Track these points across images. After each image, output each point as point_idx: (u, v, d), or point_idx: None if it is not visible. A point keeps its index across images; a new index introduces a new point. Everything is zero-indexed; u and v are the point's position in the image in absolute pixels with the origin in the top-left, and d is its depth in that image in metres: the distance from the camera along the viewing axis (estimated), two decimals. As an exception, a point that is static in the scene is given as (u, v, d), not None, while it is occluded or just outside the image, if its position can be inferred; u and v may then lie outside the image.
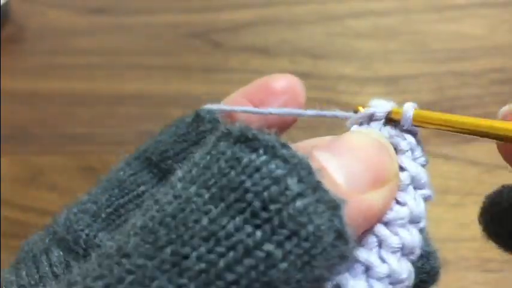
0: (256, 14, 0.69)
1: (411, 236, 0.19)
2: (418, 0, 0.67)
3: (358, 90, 0.59)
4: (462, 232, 0.48)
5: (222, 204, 0.16)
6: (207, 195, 0.16)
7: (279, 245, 0.16)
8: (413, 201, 0.20)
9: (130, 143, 0.58)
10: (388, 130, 0.22)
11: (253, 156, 0.17)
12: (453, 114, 0.22)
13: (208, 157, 0.18)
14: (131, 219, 0.18)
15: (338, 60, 0.62)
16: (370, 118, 0.22)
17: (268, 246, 0.16)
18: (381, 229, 0.19)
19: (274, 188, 0.16)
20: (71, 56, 0.68)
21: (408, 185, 0.20)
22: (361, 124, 0.23)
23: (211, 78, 0.63)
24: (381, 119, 0.22)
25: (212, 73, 0.63)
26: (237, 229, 0.16)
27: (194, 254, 0.16)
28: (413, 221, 0.20)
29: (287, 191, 0.16)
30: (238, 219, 0.16)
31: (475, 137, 0.59)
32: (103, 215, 0.25)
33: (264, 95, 0.26)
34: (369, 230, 0.19)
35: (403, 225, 0.19)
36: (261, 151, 0.17)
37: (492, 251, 0.46)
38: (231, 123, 0.24)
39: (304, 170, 0.17)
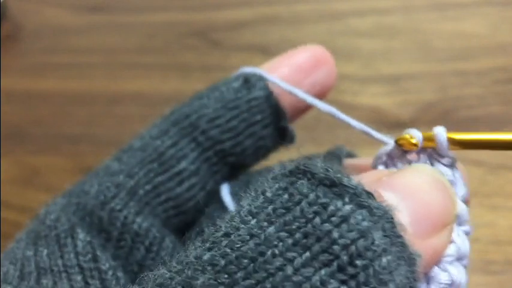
0: (256, 13, 0.68)
1: (459, 273, 0.19)
2: (420, -2, 0.66)
3: (360, 89, 0.59)
4: (465, 234, 0.48)
5: (307, 254, 0.15)
6: (289, 241, 0.15)
7: None
8: (459, 239, 0.20)
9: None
10: (438, 164, 0.22)
11: (339, 204, 0.16)
12: (489, 133, 0.21)
13: (285, 195, 0.16)
14: (189, 247, 0.16)
15: (340, 59, 0.61)
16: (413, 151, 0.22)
17: None
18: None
19: (361, 242, 0.15)
20: (68, 55, 0.67)
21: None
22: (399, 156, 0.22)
23: (211, 78, 0.62)
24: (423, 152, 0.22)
25: (211, 72, 0.63)
26: (323, 283, 0.15)
27: None
28: (460, 258, 0.20)
29: (373, 246, 0.15)
30: (324, 272, 0.15)
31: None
32: (141, 192, 0.23)
33: (304, 65, 0.25)
34: None
35: (451, 263, 0.19)
36: (346, 199, 0.16)
37: (495, 253, 0.46)
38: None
39: (388, 223, 0.16)
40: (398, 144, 0.22)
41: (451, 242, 0.19)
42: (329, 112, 0.23)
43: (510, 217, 0.48)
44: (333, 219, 0.15)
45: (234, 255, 0.15)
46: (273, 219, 0.16)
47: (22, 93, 0.64)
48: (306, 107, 0.27)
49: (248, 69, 0.25)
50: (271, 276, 0.15)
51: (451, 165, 0.21)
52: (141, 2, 0.72)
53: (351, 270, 0.15)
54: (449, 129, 0.60)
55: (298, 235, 0.15)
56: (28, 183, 0.56)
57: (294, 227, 0.15)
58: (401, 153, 0.22)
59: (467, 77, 0.59)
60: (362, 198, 0.16)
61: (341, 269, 0.15)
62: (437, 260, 0.19)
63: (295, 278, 0.15)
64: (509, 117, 0.55)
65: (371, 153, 0.56)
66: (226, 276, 0.15)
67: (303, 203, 0.16)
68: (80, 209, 0.23)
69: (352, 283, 0.15)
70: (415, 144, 0.21)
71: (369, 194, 0.16)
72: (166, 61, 0.65)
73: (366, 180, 0.17)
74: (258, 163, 0.25)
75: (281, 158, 0.26)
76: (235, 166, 0.25)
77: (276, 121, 0.25)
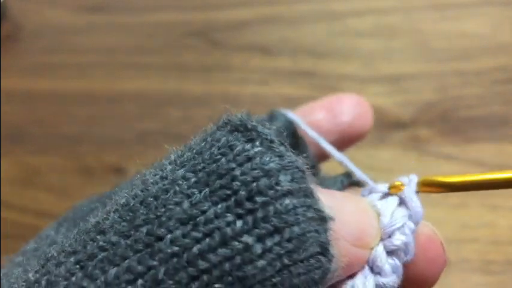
0: (256, 13, 0.68)
1: None
2: (420, -2, 0.66)
3: (360, 89, 0.59)
4: (464, 234, 0.48)
5: (207, 190, 0.16)
6: (193, 179, 0.16)
7: (260, 239, 0.15)
8: (362, 280, 0.19)
9: (129, 143, 0.58)
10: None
11: (248, 146, 0.16)
12: (466, 175, 0.21)
13: (203, 143, 0.17)
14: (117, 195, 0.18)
15: (339, 59, 0.62)
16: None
17: (248, 239, 0.15)
18: None
19: (264, 180, 0.16)
20: (68, 55, 0.67)
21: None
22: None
23: (211, 78, 0.62)
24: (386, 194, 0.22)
25: (211, 72, 0.63)
26: (217, 216, 0.15)
27: (169, 236, 0.15)
28: None
29: (278, 186, 0.16)
30: (220, 206, 0.15)
31: (478, 137, 0.58)
32: None
33: (337, 104, 0.26)
34: None
35: None
36: (257, 143, 0.16)
37: (495, 252, 0.46)
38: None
39: (299, 172, 0.16)
40: (390, 190, 0.22)
41: (350, 277, 0.19)
42: (342, 162, 0.24)
43: (510, 217, 0.48)
44: (237, 158, 0.16)
45: (142, 194, 0.16)
46: (185, 163, 0.17)
47: (22, 93, 0.64)
48: (361, 137, 0.28)
49: (281, 111, 0.26)
50: (168, 211, 0.15)
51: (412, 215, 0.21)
52: (141, 2, 0.72)
53: (248, 205, 0.15)
54: (450, 129, 0.61)
55: (201, 174, 0.16)
56: (28, 183, 0.56)
57: (199, 167, 0.16)
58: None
59: (467, 77, 0.59)
60: (274, 144, 0.16)
61: (238, 203, 0.15)
62: (354, 269, 0.19)
63: (190, 212, 0.15)
64: (509, 117, 0.55)
65: (370, 153, 0.56)
66: (130, 213, 0.16)
67: (214, 147, 0.16)
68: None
69: (249, 218, 0.15)
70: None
71: (283, 143, 0.17)
72: (166, 61, 0.65)
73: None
74: None
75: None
76: None
77: (296, 149, 0.26)
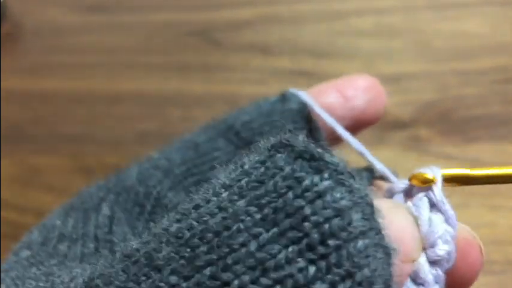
0: (257, 12, 0.68)
1: None
2: (421, -2, 0.66)
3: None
4: (465, 233, 0.48)
5: (275, 230, 0.14)
6: (258, 216, 0.14)
7: (332, 285, 0.14)
8: None
9: (129, 143, 0.58)
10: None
11: (317, 179, 0.15)
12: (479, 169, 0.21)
13: (262, 168, 0.15)
14: (164, 219, 0.16)
15: (340, 59, 0.62)
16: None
17: (321, 286, 0.14)
18: None
19: (336, 221, 0.14)
20: (68, 55, 0.67)
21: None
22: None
23: (211, 77, 0.62)
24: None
25: (212, 72, 0.63)
26: (289, 261, 0.14)
27: (236, 282, 0.14)
28: None
29: (350, 227, 0.14)
30: (291, 250, 0.14)
31: (478, 136, 0.58)
32: (176, 171, 0.24)
33: (351, 87, 0.26)
34: None
35: None
36: (326, 175, 0.15)
37: (495, 252, 0.46)
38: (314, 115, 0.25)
39: (369, 207, 0.15)
40: (409, 179, 0.21)
41: None
42: (360, 151, 0.23)
43: (510, 217, 0.48)
44: (307, 194, 0.15)
45: (199, 228, 0.15)
46: (244, 193, 0.15)
47: (22, 93, 0.64)
48: (374, 119, 0.28)
49: (294, 91, 0.26)
50: (233, 251, 0.14)
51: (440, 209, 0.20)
52: (141, 2, 0.72)
53: (321, 249, 0.14)
54: (450, 128, 0.61)
55: (267, 210, 0.15)
56: (28, 183, 0.56)
57: (264, 201, 0.15)
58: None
59: (468, 77, 0.59)
60: (343, 177, 0.15)
61: (310, 247, 0.14)
62: (400, 285, 0.18)
63: (258, 255, 0.14)
64: (509, 117, 0.55)
65: (372, 153, 0.56)
66: (188, 249, 0.14)
67: (277, 177, 0.15)
68: (119, 186, 0.25)
69: (322, 263, 0.14)
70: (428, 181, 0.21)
71: (352, 174, 0.15)
72: (167, 61, 0.65)
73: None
74: None
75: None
76: None
77: (308, 133, 0.26)
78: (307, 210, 0.14)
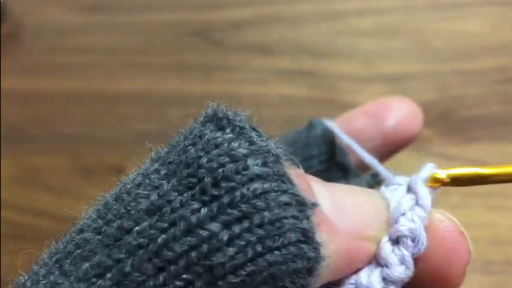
0: (257, 12, 0.68)
1: None
2: (421, -2, 0.66)
3: (360, 88, 0.59)
4: (465, 233, 0.48)
5: (174, 180, 0.15)
6: (163, 172, 0.16)
7: (226, 226, 0.15)
8: (366, 273, 0.18)
9: (129, 143, 0.58)
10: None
11: (218, 134, 0.16)
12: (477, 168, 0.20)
13: (178, 137, 0.17)
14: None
15: (340, 59, 0.62)
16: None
17: (213, 226, 0.15)
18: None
19: (230, 166, 0.15)
20: (68, 55, 0.67)
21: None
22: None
23: (211, 77, 0.63)
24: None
25: (212, 72, 0.63)
26: (182, 205, 0.15)
27: (136, 228, 0.15)
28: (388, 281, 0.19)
29: (245, 170, 0.15)
30: (186, 195, 0.15)
31: (478, 136, 0.58)
32: None
33: (380, 108, 0.26)
34: None
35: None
36: (228, 130, 0.16)
37: (495, 252, 0.46)
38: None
39: (271, 156, 0.16)
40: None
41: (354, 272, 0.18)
42: (374, 166, 0.23)
43: (510, 217, 0.48)
44: (206, 146, 0.16)
45: (119, 191, 0.16)
46: (160, 158, 0.17)
47: (22, 93, 0.64)
48: (409, 142, 0.27)
49: (320, 119, 0.26)
50: (138, 204, 0.15)
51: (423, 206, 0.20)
52: (141, 2, 0.72)
53: (213, 191, 0.15)
54: (450, 129, 0.60)
55: (171, 166, 0.16)
56: (28, 183, 0.56)
57: (170, 159, 0.16)
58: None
59: (467, 77, 0.59)
60: (244, 131, 0.16)
61: (203, 191, 0.15)
62: (358, 263, 0.18)
63: (157, 203, 0.15)
64: (509, 117, 0.55)
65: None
66: (106, 210, 0.16)
67: (187, 140, 0.16)
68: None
69: (214, 205, 0.15)
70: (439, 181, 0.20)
71: (255, 129, 0.16)
72: (167, 61, 0.65)
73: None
74: None
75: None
76: None
77: (333, 157, 0.26)
78: (204, 159, 0.15)
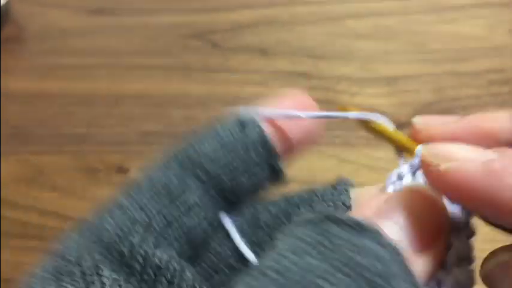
0: (256, 15, 0.69)
1: (461, 274, 0.21)
2: (418, 1, 0.67)
3: (358, 90, 0.60)
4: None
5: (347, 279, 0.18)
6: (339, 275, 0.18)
7: None
8: (459, 242, 0.21)
9: (131, 143, 0.58)
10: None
11: (368, 242, 0.19)
12: None
13: (320, 237, 0.19)
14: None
15: (338, 61, 0.63)
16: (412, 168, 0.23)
17: None
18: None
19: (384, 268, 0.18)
20: (71, 57, 0.68)
21: None
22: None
23: (211, 79, 0.63)
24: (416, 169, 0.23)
25: (212, 73, 0.64)
26: None
27: None
28: (462, 259, 0.21)
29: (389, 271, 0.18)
30: None
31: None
32: (155, 226, 0.23)
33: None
34: None
35: (452, 266, 0.21)
36: (370, 238, 0.19)
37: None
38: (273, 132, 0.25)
39: (400, 256, 0.19)
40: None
41: (450, 246, 0.21)
42: (333, 116, 0.24)
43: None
44: (366, 253, 0.18)
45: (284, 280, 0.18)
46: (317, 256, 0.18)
47: (26, 94, 0.64)
48: (308, 138, 0.27)
49: (249, 113, 0.25)
50: None
51: None
52: (143, 5, 0.72)
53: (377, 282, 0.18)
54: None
55: (345, 269, 0.18)
56: (32, 183, 0.56)
57: (338, 263, 0.18)
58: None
59: (464, 78, 0.59)
60: (382, 238, 0.19)
61: (369, 283, 0.18)
62: (440, 266, 0.20)
63: None
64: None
65: (367, 153, 0.57)
66: None
67: (341, 242, 0.19)
68: (99, 245, 0.23)
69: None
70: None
71: (380, 232, 0.19)
72: (168, 62, 0.65)
73: (368, 213, 0.20)
74: (255, 199, 0.26)
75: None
76: (233, 202, 0.26)
77: (270, 163, 0.26)
78: (366, 263, 0.18)
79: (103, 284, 0.21)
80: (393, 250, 0.19)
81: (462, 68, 0.60)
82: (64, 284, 0.21)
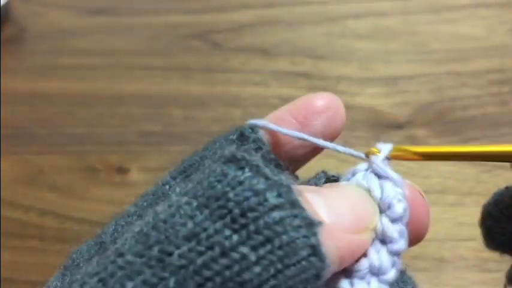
0: (256, 15, 0.69)
1: (368, 286, 0.21)
2: (417, 1, 0.67)
3: (358, 90, 0.60)
4: (461, 232, 0.49)
5: (207, 211, 0.18)
6: (195, 204, 0.19)
7: (254, 249, 0.18)
8: (376, 255, 0.21)
9: (131, 143, 0.58)
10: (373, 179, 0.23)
11: (239, 172, 0.19)
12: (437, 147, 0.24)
13: (202, 175, 0.20)
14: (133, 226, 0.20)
15: (338, 61, 0.63)
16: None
17: (243, 249, 0.18)
18: (341, 278, 0.21)
19: (253, 199, 0.19)
20: (71, 57, 0.68)
21: (374, 239, 0.22)
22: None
23: (211, 79, 0.63)
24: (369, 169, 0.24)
25: (212, 73, 0.64)
26: (217, 232, 0.18)
27: (177, 251, 0.18)
28: (375, 273, 0.21)
29: (265, 202, 0.18)
30: (219, 224, 0.18)
31: (474, 137, 0.59)
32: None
33: (307, 113, 0.27)
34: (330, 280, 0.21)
35: (362, 277, 0.21)
36: (246, 169, 0.19)
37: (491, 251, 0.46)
38: (273, 143, 0.26)
39: (284, 188, 0.19)
40: (366, 155, 0.24)
41: (365, 256, 0.21)
42: (335, 148, 0.25)
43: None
44: (231, 182, 0.19)
45: (153, 221, 0.19)
46: (187, 192, 0.20)
47: (26, 94, 0.65)
48: (314, 150, 0.28)
49: (251, 125, 0.26)
50: (176, 231, 0.18)
51: (395, 183, 0.23)
52: (143, 5, 0.72)
53: (242, 221, 0.18)
54: (446, 129, 0.61)
55: (201, 199, 0.19)
56: (32, 182, 0.56)
57: (199, 193, 0.19)
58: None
59: (463, 78, 0.59)
60: (261, 169, 0.19)
61: (233, 220, 0.18)
62: (360, 252, 0.21)
63: (193, 230, 0.18)
64: (504, 117, 0.56)
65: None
66: (144, 237, 0.19)
67: (211, 177, 0.20)
68: (99, 246, 0.26)
69: (243, 232, 0.18)
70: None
71: (268, 166, 0.20)
72: (168, 62, 0.66)
73: (303, 189, 0.20)
74: None
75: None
76: None
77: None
78: (231, 194, 0.19)
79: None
80: (282, 187, 0.19)
81: (462, 68, 0.60)
82: (65, 277, 0.25)
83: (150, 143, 0.58)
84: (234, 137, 0.27)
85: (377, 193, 0.22)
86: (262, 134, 0.26)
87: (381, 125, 0.56)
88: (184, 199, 0.19)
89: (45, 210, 0.54)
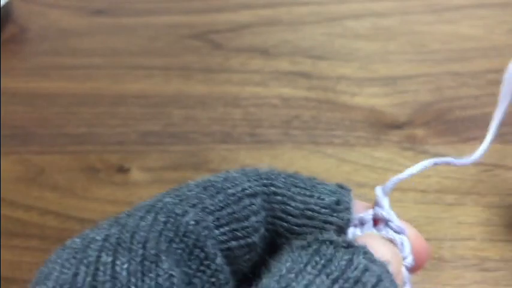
0: (256, 15, 0.69)
1: None
2: (417, 1, 0.67)
3: (357, 90, 0.60)
4: (460, 231, 0.49)
5: None
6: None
7: None
8: None
9: (132, 143, 0.58)
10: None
11: (360, 259, 0.21)
12: None
13: (317, 257, 0.22)
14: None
15: (337, 61, 0.63)
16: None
17: None
18: None
19: (381, 284, 0.21)
20: (72, 57, 0.68)
21: None
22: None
23: (212, 79, 0.63)
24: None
25: (212, 73, 0.64)
26: None
27: None
28: None
29: (380, 282, 0.21)
30: None
31: (473, 137, 0.59)
32: (217, 232, 0.24)
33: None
34: None
35: None
36: (361, 256, 0.22)
37: (490, 250, 0.46)
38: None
39: (388, 270, 0.22)
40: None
41: None
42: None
43: (505, 215, 0.49)
44: (359, 268, 0.21)
45: None
46: (316, 273, 0.21)
47: (27, 94, 0.65)
48: None
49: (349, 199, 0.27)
50: None
51: (399, 232, 0.26)
52: (144, 5, 0.72)
53: None
54: (446, 129, 0.61)
55: (340, 281, 0.20)
56: (33, 182, 0.56)
57: (334, 276, 0.20)
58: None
59: (463, 78, 0.60)
60: (370, 255, 0.22)
61: None
62: None
63: None
64: (504, 117, 0.56)
65: (367, 153, 0.57)
66: None
67: (335, 260, 0.21)
68: (170, 230, 0.23)
69: None
70: None
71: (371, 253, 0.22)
72: (169, 62, 0.66)
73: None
74: None
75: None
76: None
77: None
78: (364, 279, 0.21)
79: (158, 275, 0.21)
80: (383, 266, 0.22)
81: (461, 68, 0.60)
82: (121, 259, 0.21)
83: (150, 142, 0.58)
84: (330, 200, 0.26)
85: (399, 246, 0.25)
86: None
87: (381, 125, 0.56)
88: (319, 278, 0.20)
89: (46, 209, 0.54)
